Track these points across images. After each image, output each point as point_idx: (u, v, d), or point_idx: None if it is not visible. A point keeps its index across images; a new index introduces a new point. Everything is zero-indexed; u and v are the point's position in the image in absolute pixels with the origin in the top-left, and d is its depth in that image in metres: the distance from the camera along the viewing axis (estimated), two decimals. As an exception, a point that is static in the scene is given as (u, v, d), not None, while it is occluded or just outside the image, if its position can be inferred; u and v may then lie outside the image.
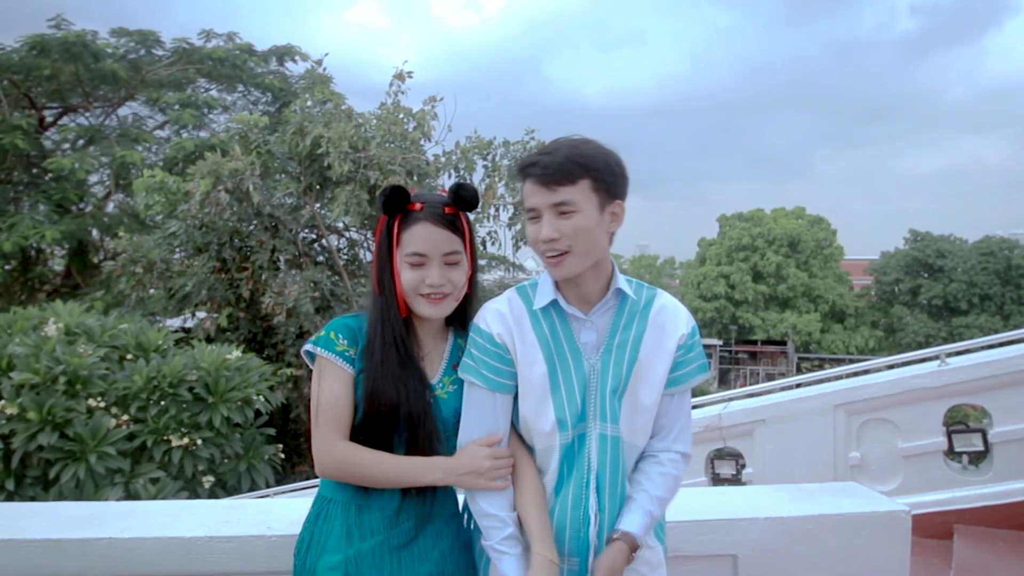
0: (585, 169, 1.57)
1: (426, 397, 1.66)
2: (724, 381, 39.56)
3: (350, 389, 1.64)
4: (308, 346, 1.68)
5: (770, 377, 31.09)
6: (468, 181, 11.35)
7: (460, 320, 1.80)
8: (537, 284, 1.72)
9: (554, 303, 1.69)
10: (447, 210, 1.67)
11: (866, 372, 4.79)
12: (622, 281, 1.70)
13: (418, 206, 1.65)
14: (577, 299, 1.69)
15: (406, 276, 1.64)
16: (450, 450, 1.68)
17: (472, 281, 1.76)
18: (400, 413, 1.62)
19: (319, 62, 13.05)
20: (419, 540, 1.66)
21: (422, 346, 1.74)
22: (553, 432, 1.66)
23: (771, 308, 38.62)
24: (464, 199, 1.69)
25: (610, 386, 1.65)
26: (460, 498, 1.81)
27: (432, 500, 1.69)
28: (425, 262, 1.64)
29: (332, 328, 1.68)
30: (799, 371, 33.55)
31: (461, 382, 1.72)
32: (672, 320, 1.71)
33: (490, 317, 1.71)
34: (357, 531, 1.62)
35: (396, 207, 1.65)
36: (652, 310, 1.71)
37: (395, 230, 1.66)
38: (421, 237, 1.63)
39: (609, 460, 1.65)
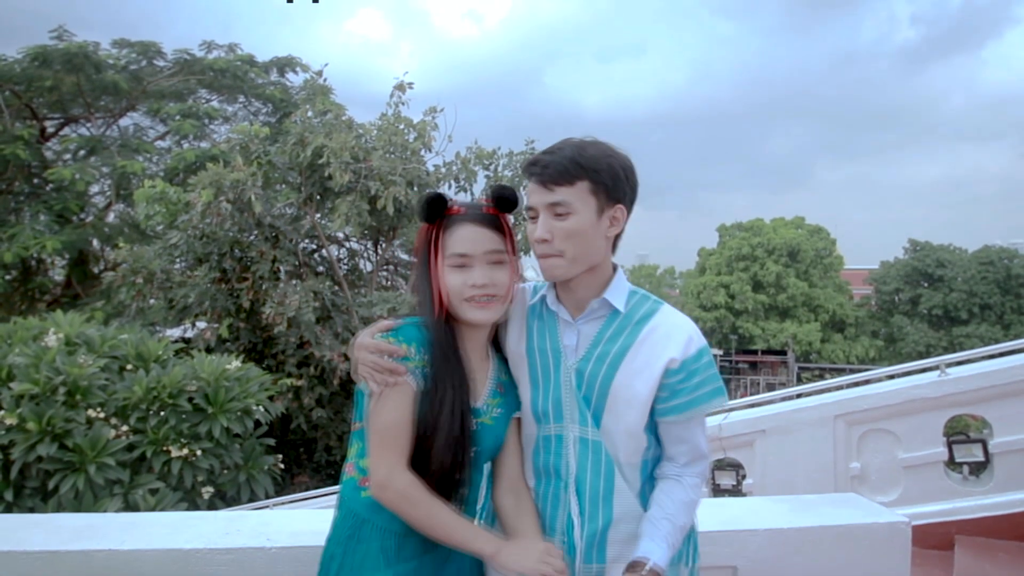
0: (585, 170, 1.53)
1: (469, 416, 1.60)
2: (724, 391, 39.37)
3: (413, 406, 1.55)
4: None
5: (770, 387, 31.07)
6: (469, 192, 11.41)
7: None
8: (546, 283, 1.73)
9: (545, 299, 1.70)
10: (488, 211, 1.64)
11: (866, 382, 4.78)
12: (616, 292, 1.64)
13: (459, 210, 1.62)
14: (570, 302, 1.67)
15: (451, 281, 1.57)
16: (478, 476, 1.67)
17: (519, 296, 1.72)
18: (444, 434, 1.54)
19: (319, 73, 13.13)
20: (446, 561, 1.63)
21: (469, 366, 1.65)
22: (531, 423, 1.71)
23: (771, 318, 38.63)
24: (504, 199, 1.64)
25: (583, 394, 1.63)
26: None
27: None
28: (468, 263, 1.57)
29: (406, 339, 1.57)
30: (799, 381, 33.49)
31: (505, 406, 1.69)
32: (664, 342, 1.60)
33: None
34: (395, 555, 1.58)
35: (436, 214, 1.61)
36: (645, 327, 1.62)
37: (435, 236, 1.61)
38: (463, 237, 1.58)
39: (591, 464, 1.63)
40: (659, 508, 1.61)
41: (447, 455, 1.55)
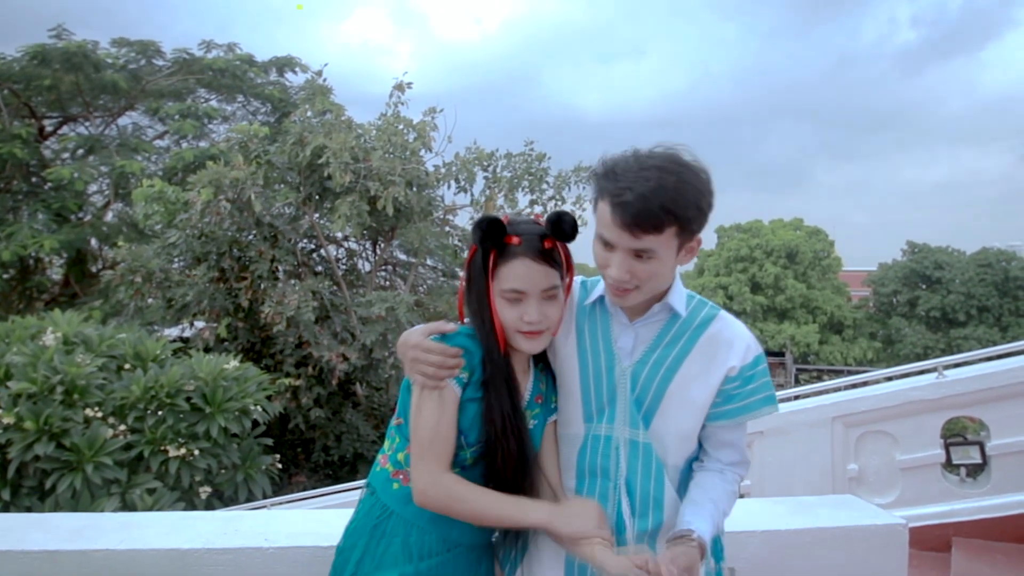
0: (676, 217, 1.46)
1: (529, 438, 1.64)
2: (722, 392, 39.44)
3: (455, 412, 1.58)
4: None
5: (768, 388, 31.01)
6: (470, 192, 11.41)
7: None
8: (600, 280, 1.70)
9: (602, 300, 1.69)
10: (546, 243, 1.58)
11: (864, 384, 4.79)
12: (677, 297, 1.64)
13: (516, 240, 1.57)
14: (628, 305, 1.65)
15: (504, 313, 1.58)
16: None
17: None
18: (507, 453, 1.58)
19: (319, 73, 13.12)
20: (468, 563, 1.67)
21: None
22: (578, 423, 1.69)
23: (769, 319, 38.62)
24: (564, 232, 1.60)
25: (636, 396, 1.63)
26: None
27: (489, 531, 1.69)
28: (523, 298, 1.57)
29: (459, 347, 1.60)
30: (797, 382, 33.47)
31: (542, 416, 1.72)
32: (725, 349, 1.62)
33: None
34: (417, 550, 1.60)
35: (492, 240, 1.58)
36: (705, 333, 1.63)
37: (491, 264, 1.58)
38: (519, 274, 1.56)
39: (641, 466, 1.63)
40: (703, 491, 1.62)
41: (508, 466, 1.58)
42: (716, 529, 1.57)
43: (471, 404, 1.59)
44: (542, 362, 1.77)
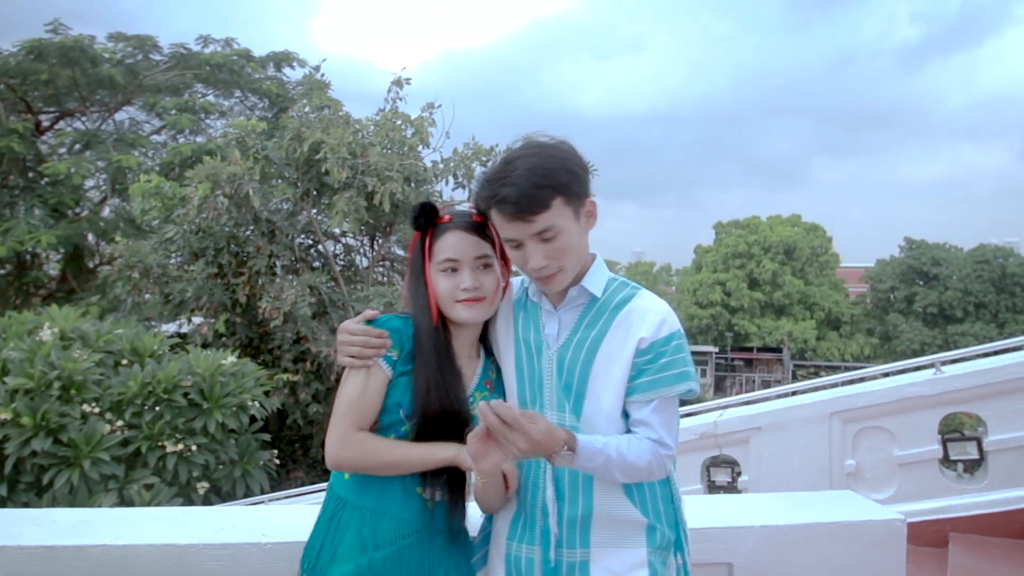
0: (554, 189, 1.55)
1: (467, 401, 1.70)
2: (720, 388, 39.79)
3: (381, 389, 1.66)
4: None
5: (766, 384, 31.17)
6: (467, 188, 11.38)
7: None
8: None
9: (527, 291, 1.77)
10: (475, 219, 1.71)
11: (861, 380, 4.79)
12: (593, 279, 1.69)
13: (447, 218, 1.72)
14: (553, 293, 1.71)
15: (441, 285, 1.68)
16: None
17: (507, 291, 1.81)
18: (443, 418, 1.64)
19: (317, 68, 13.09)
20: (430, 553, 1.68)
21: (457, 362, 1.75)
22: None
23: (767, 315, 38.72)
24: None
25: (564, 380, 1.66)
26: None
27: (444, 514, 1.71)
28: (457, 267, 1.68)
29: (386, 327, 1.69)
30: (795, 378, 33.55)
31: (492, 399, 1.74)
32: (637, 322, 1.63)
33: None
34: (371, 540, 1.63)
35: (427, 222, 1.71)
36: (621, 312, 1.66)
37: (427, 243, 1.71)
38: (451, 243, 1.68)
39: None
40: (607, 438, 1.59)
41: (440, 427, 1.64)
42: (603, 451, 1.53)
43: (403, 378, 1.67)
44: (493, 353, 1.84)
